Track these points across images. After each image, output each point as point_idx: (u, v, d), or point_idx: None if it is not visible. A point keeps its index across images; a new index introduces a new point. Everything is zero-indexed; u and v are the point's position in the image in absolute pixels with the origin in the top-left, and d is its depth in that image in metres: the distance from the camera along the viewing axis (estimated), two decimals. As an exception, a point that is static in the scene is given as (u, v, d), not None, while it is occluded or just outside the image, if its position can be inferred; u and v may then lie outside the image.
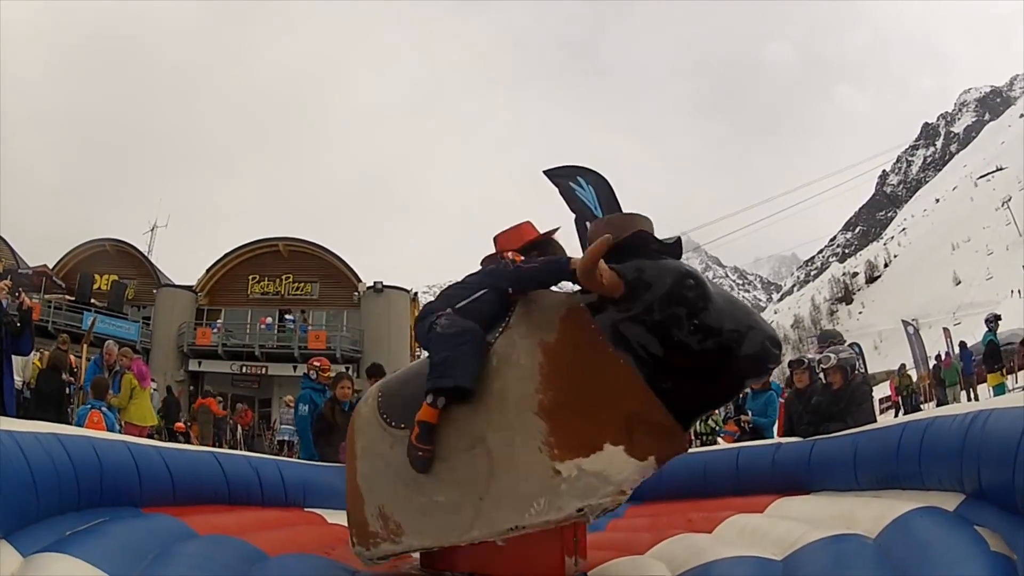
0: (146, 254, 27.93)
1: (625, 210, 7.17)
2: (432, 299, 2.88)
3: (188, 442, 12.25)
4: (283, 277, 26.30)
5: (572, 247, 7.11)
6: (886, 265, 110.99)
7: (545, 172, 7.45)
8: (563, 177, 7.32)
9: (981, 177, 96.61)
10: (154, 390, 12.95)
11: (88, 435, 2.94)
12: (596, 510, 2.31)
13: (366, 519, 2.65)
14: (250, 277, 26.31)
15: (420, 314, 2.76)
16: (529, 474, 2.26)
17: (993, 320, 12.50)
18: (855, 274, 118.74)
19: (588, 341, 2.37)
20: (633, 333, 2.35)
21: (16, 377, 6.25)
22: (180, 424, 13.96)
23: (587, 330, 2.39)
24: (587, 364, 2.34)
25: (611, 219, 2.88)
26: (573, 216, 7.20)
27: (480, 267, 2.93)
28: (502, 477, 2.29)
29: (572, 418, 2.28)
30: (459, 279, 2.91)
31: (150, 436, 7.65)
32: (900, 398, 18.54)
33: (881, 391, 21.16)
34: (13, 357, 5.21)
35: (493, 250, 2.95)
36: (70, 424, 5.69)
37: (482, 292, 2.66)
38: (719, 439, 10.08)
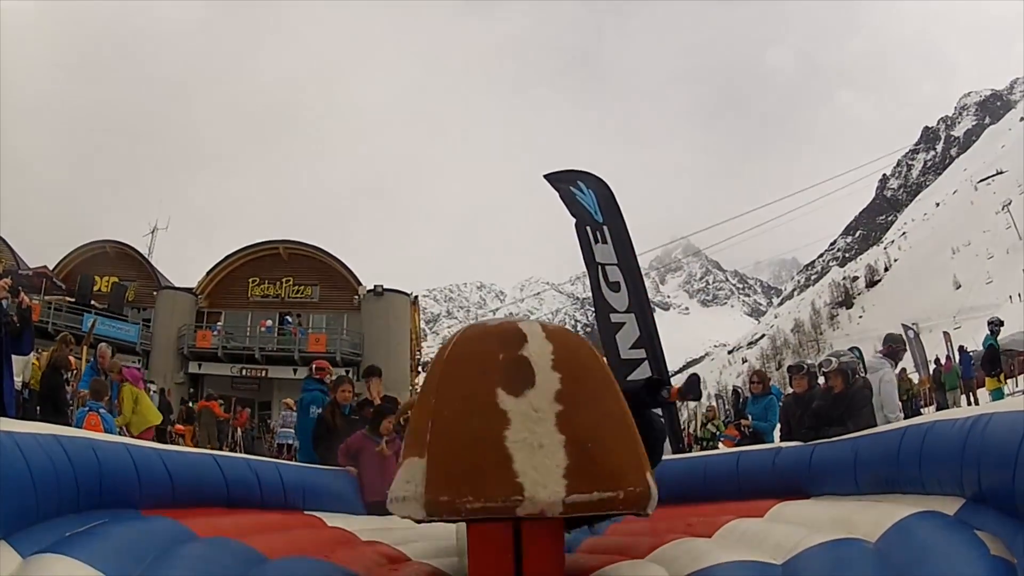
0: (146, 256, 27.99)
1: (625, 215, 7.20)
2: None
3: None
4: (283, 280, 26.33)
5: (575, 252, 7.13)
6: (886, 269, 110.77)
7: (546, 176, 7.47)
8: (563, 182, 7.35)
9: (981, 181, 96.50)
10: (153, 392, 12.96)
11: (88, 436, 2.94)
12: None
13: (649, 484, 2.39)
14: (250, 280, 26.34)
15: None
16: None
17: (997, 323, 12.44)
18: (855, 278, 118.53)
19: None
20: None
21: (16, 378, 6.23)
22: (180, 427, 13.98)
23: None
24: None
25: None
26: (573, 220, 7.23)
27: None
28: None
29: None
30: None
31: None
32: (900, 402, 18.49)
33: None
34: (13, 357, 5.20)
35: None
36: (71, 425, 5.68)
37: None
38: (720, 443, 10.09)
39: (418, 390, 2.66)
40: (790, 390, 6.37)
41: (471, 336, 2.52)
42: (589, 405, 2.33)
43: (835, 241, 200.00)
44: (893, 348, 6.52)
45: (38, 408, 7.07)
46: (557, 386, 2.29)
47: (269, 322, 25.42)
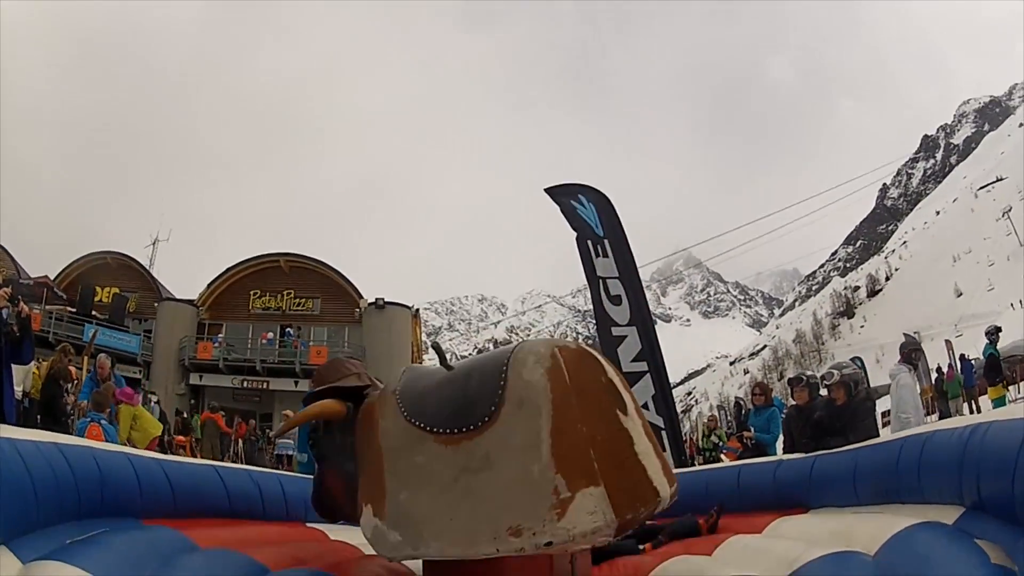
0: (148, 267, 28.04)
1: (626, 228, 7.20)
2: None
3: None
4: (284, 293, 26.33)
5: (576, 265, 7.13)
6: (887, 278, 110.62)
7: (547, 190, 7.49)
8: (564, 195, 7.36)
9: (981, 188, 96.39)
10: (155, 403, 12.94)
11: (88, 445, 2.94)
12: None
13: None
14: (251, 292, 26.35)
15: None
16: None
17: (994, 332, 12.38)
18: (857, 288, 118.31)
19: None
20: None
21: (16, 387, 6.22)
22: (180, 438, 13.97)
23: None
24: None
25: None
26: (575, 234, 7.24)
27: None
28: None
29: None
30: None
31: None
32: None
33: (884, 405, 20.97)
34: (13, 367, 5.19)
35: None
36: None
37: None
38: (722, 455, 10.05)
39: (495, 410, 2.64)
40: (792, 402, 6.37)
41: (576, 359, 2.55)
42: (643, 417, 2.62)
43: (836, 251, 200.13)
44: (908, 352, 6.79)
45: (38, 417, 7.06)
46: (632, 403, 2.58)
47: (270, 334, 25.41)
